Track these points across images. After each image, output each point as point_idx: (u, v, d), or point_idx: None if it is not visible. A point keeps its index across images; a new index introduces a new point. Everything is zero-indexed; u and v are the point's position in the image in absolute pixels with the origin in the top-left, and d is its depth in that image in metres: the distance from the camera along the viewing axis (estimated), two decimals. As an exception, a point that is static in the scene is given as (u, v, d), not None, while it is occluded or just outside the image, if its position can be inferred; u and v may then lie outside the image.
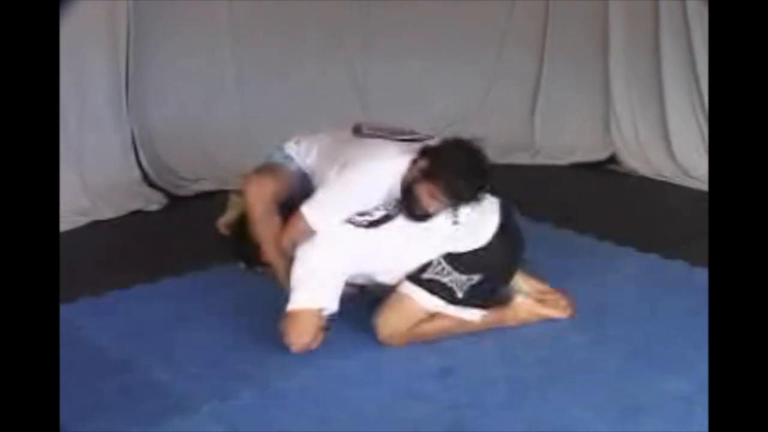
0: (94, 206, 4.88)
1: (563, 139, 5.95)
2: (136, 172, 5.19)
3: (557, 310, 3.56)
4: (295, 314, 3.24)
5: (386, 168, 3.37)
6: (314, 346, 3.26)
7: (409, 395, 3.07)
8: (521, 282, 3.59)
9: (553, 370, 3.20)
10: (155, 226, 4.80)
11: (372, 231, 3.32)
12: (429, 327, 3.38)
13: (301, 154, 3.62)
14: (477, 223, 3.36)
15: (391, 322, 3.35)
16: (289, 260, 3.34)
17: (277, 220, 3.46)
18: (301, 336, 3.23)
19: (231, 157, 5.18)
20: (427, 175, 3.29)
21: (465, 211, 3.34)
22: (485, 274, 3.35)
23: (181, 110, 5.37)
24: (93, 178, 4.99)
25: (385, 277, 3.42)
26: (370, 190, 3.36)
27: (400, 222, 3.34)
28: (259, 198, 3.49)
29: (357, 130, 3.59)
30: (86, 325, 3.58)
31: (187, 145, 5.36)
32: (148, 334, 3.52)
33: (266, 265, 3.54)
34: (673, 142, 5.47)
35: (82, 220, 4.75)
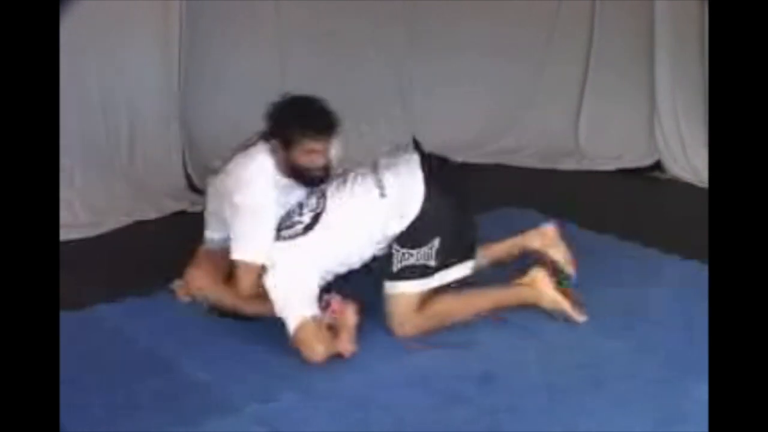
0: (138, 206, 4.91)
1: (608, 144, 5.89)
2: (182, 175, 5.23)
3: (574, 307, 3.52)
4: (296, 334, 3.28)
5: (255, 171, 3.47)
6: (333, 351, 3.29)
7: (450, 399, 3.07)
8: (552, 251, 3.66)
9: (592, 376, 3.19)
10: (199, 226, 4.82)
11: (312, 233, 3.39)
12: (434, 309, 3.45)
13: (213, 225, 3.75)
14: (404, 188, 3.40)
15: (396, 323, 3.43)
16: (265, 299, 3.40)
17: (228, 287, 3.57)
18: (312, 348, 3.26)
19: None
20: (284, 144, 3.42)
21: (389, 180, 3.40)
22: (442, 233, 3.39)
23: (226, 115, 5.39)
24: (138, 179, 5.05)
25: (357, 259, 3.48)
26: (262, 199, 3.45)
27: (331, 211, 3.41)
28: (202, 288, 3.67)
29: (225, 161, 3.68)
30: (129, 325, 3.63)
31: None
32: (191, 335, 3.56)
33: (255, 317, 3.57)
34: (718, 149, 5.41)
35: (125, 220, 4.80)
